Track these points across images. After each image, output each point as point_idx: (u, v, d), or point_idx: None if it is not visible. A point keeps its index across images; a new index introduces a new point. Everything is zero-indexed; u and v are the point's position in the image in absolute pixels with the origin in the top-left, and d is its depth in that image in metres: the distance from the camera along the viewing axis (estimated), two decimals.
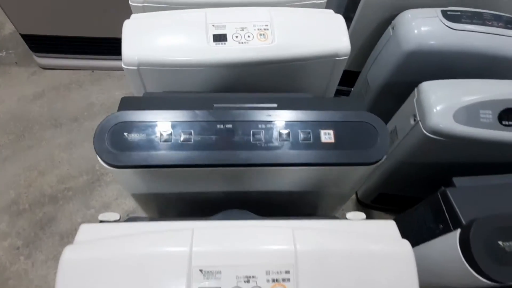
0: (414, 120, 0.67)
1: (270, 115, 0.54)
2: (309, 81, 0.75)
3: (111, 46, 1.08)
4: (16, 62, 1.15)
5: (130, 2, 0.72)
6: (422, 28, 0.74)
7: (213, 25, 0.66)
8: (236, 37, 0.65)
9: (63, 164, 0.96)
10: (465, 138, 0.62)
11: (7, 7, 0.97)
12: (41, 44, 1.07)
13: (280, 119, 0.53)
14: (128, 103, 0.57)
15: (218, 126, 0.52)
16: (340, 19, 0.71)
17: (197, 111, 0.53)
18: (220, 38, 0.65)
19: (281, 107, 0.58)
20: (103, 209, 0.89)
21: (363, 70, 0.96)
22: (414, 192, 0.81)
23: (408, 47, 0.75)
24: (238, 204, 0.56)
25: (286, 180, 0.57)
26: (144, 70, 0.65)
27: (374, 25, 0.90)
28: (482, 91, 0.64)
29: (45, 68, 1.14)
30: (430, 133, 0.63)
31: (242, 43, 0.65)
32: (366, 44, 0.96)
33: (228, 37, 0.65)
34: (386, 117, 0.98)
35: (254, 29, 0.66)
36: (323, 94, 0.80)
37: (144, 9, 0.73)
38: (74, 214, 0.89)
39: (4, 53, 1.18)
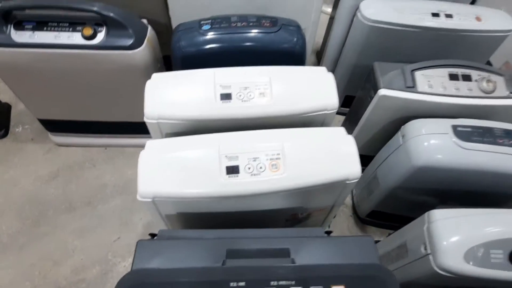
0: (425, 249, 0.68)
1: (281, 270, 0.55)
2: (318, 199, 0.76)
3: (124, 127, 1.10)
4: (32, 139, 1.18)
5: (145, 119, 0.74)
6: (433, 145, 0.75)
7: (226, 156, 0.67)
8: (249, 168, 0.67)
9: (77, 253, 0.98)
10: (475, 278, 0.63)
11: (22, 96, 1.01)
12: (56, 126, 1.10)
13: (292, 276, 0.54)
14: (144, 251, 0.59)
15: (231, 284, 0.54)
16: (350, 140, 0.72)
17: (211, 269, 0.55)
18: (232, 170, 0.67)
19: (292, 250, 0.60)
20: None
21: (374, 161, 0.96)
22: None
23: (418, 163, 0.76)
24: None
25: None
26: (159, 201, 0.67)
27: (383, 123, 0.91)
28: (493, 226, 0.65)
29: (60, 145, 1.17)
30: (440, 270, 0.64)
31: (254, 174, 0.67)
32: (375, 136, 0.97)
33: (241, 169, 0.67)
34: (395, 209, 0.99)
35: (267, 159, 0.67)
36: (332, 205, 0.81)
37: (159, 125, 0.74)
38: None
39: (20, 128, 1.21)
